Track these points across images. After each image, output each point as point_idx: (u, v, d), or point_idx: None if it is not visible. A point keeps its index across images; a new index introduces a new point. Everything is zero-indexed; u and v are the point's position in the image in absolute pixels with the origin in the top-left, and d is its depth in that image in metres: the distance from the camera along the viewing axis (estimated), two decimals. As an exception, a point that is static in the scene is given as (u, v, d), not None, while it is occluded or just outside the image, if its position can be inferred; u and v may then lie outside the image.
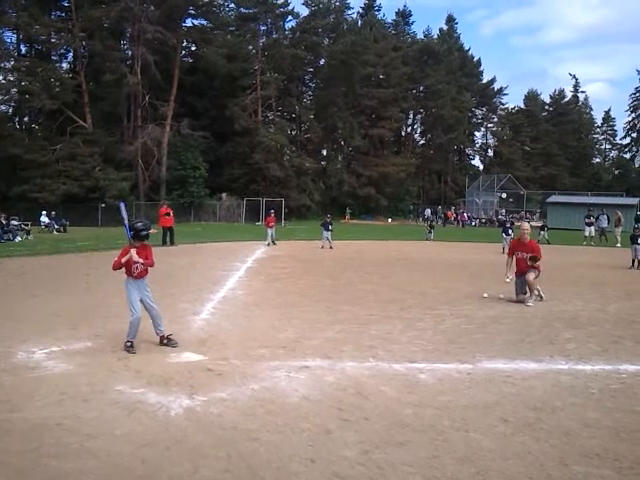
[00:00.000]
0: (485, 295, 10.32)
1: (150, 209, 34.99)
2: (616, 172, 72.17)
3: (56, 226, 28.51)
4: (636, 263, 15.99)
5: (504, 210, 52.68)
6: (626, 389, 5.24)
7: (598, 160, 77.15)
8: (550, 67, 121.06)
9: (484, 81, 70.45)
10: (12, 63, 39.60)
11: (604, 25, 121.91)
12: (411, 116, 64.62)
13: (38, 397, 4.79)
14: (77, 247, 19.60)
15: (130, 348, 6.25)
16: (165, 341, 6.55)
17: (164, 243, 20.50)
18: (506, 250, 15.81)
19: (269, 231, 22.48)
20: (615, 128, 75.89)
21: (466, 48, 68.70)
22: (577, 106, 74.16)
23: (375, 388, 5.16)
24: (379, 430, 4.21)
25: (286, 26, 52.04)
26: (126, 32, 43.03)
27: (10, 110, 42.86)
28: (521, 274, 9.91)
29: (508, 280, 10.20)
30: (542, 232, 25.45)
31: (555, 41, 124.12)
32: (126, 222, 6.53)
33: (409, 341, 6.95)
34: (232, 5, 50.09)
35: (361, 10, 61.38)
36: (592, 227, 26.34)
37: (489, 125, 72.78)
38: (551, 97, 74.07)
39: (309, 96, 57.39)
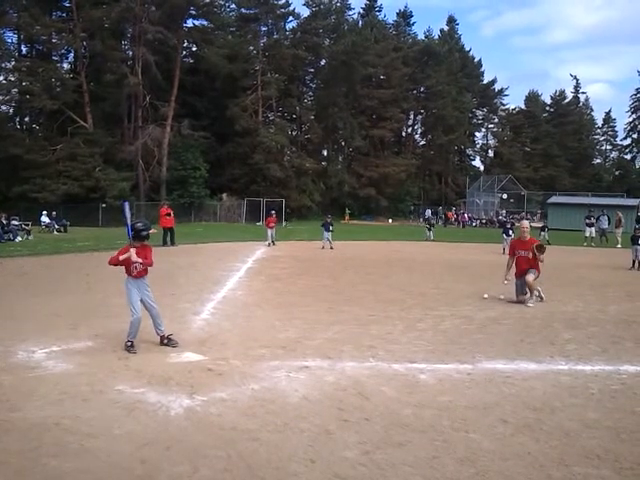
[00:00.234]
0: (485, 296, 10.31)
1: (151, 209, 35.00)
2: (617, 173, 72.15)
3: (56, 226, 28.51)
4: (636, 264, 15.98)
5: (504, 211, 52.68)
6: (626, 390, 5.24)
7: (599, 161, 77.14)
8: (551, 68, 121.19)
9: (485, 82, 70.48)
10: (13, 63, 39.65)
11: (605, 26, 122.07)
12: (412, 117, 64.64)
13: (38, 396, 4.79)
14: (77, 247, 19.61)
15: (130, 348, 6.25)
16: (165, 341, 6.55)
17: (165, 243, 20.50)
18: (506, 251, 15.82)
19: (269, 231, 22.48)
20: (616, 129, 75.94)
21: (467, 49, 68.82)
22: (578, 107, 74.16)
23: (375, 388, 5.16)
24: (379, 430, 4.21)
25: (287, 27, 52.21)
26: (127, 32, 43.08)
27: (11, 110, 42.89)
28: (521, 275, 9.90)
29: (506, 282, 10.19)
30: (542, 233, 25.43)
31: (556, 42, 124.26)
32: (128, 221, 6.53)
33: (409, 341, 6.95)
34: (233, 6, 50.27)
35: (362, 11, 61.52)
36: (592, 228, 26.33)
37: (490, 126, 72.81)
38: (552, 98, 74.14)
39: (310, 96, 57.43)
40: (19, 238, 22.63)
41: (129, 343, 6.29)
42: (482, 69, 70.80)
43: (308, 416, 4.47)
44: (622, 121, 78.44)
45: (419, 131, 67.25)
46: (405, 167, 54.94)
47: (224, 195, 44.98)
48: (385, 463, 3.67)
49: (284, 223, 37.51)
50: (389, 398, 4.92)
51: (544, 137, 68.32)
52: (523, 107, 72.15)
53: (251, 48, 49.32)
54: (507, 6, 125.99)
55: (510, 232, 20.87)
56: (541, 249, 9.94)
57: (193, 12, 43.82)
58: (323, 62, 53.49)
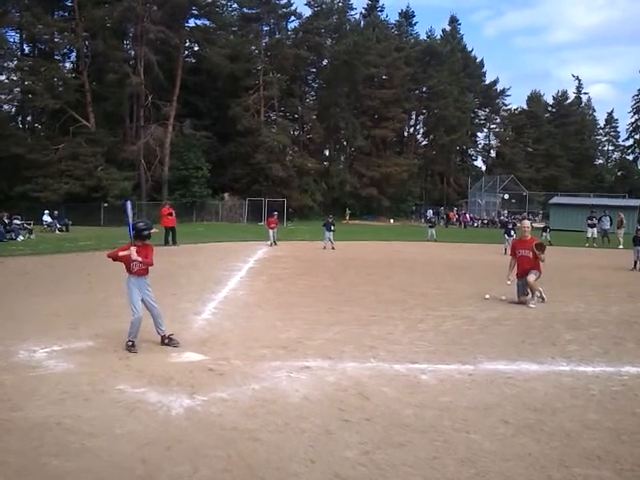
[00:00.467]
0: (487, 296, 10.31)
1: (152, 209, 35.04)
2: (619, 174, 72.02)
3: (58, 225, 28.56)
4: (638, 265, 15.97)
5: (506, 211, 52.65)
6: (627, 391, 5.23)
7: (601, 161, 76.99)
8: (553, 68, 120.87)
9: (487, 82, 70.40)
10: (15, 62, 39.67)
11: (607, 27, 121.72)
12: (414, 117, 64.59)
13: (39, 396, 4.79)
14: (79, 247, 19.63)
15: (131, 347, 6.26)
16: (166, 341, 6.56)
17: (166, 243, 20.52)
18: (508, 251, 15.82)
19: (271, 232, 22.50)
20: (618, 130, 75.72)
21: (469, 49, 68.68)
22: (580, 107, 74.03)
23: (376, 389, 5.16)
24: (380, 431, 4.21)
25: (289, 26, 52.17)
26: (129, 32, 43.10)
27: (13, 109, 42.95)
28: (523, 275, 9.89)
29: (509, 282, 10.19)
30: (544, 233, 25.41)
31: (558, 42, 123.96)
32: (130, 221, 6.55)
33: (410, 342, 6.95)
34: (235, 5, 50.23)
35: (364, 11, 61.48)
36: (594, 228, 26.31)
37: (492, 126, 72.74)
38: (554, 98, 73.99)
39: (312, 96, 57.42)
40: (21, 237, 22.68)
41: (130, 343, 6.30)
42: (484, 69, 70.77)
43: (309, 416, 4.47)
44: (624, 122, 78.64)
45: (421, 131, 67.25)
46: (407, 167, 54.92)
47: (226, 195, 45.00)
48: (385, 463, 3.67)
49: (286, 223, 37.51)
50: (390, 398, 4.92)
51: (546, 137, 68.23)
52: (525, 107, 72.05)
53: (253, 48, 49.34)
54: (509, 6, 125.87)
55: (512, 232, 20.87)
56: (541, 247, 9.94)
57: (195, 12, 43.84)
58: (325, 62, 53.48)
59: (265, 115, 48.76)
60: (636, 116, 70.05)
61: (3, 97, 39.64)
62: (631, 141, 71.75)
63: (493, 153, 73.10)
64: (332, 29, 52.49)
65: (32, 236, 23.89)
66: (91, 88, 39.94)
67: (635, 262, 16.08)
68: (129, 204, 6.89)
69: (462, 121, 60.78)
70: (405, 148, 63.33)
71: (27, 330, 7.08)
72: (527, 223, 10.78)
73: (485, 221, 49.95)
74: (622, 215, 26.87)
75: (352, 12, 56.05)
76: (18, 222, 24.76)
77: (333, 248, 20.93)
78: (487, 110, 71.68)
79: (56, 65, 41.44)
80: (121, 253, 6.40)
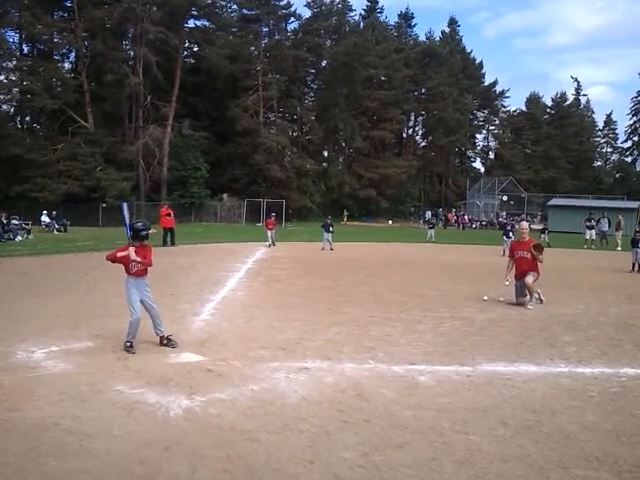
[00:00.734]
0: (485, 298, 10.31)
1: (151, 209, 35.02)
2: (617, 175, 72.11)
3: (57, 226, 28.52)
4: (637, 267, 15.99)
5: (505, 213, 52.69)
6: (626, 392, 5.24)
7: (599, 163, 77.08)
8: (552, 70, 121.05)
9: (486, 84, 70.48)
10: (14, 63, 39.63)
11: (607, 29, 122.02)
12: (412, 118, 64.67)
13: (37, 397, 4.78)
14: (77, 247, 19.61)
15: (130, 348, 6.25)
16: (165, 341, 6.55)
17: (165, 243, 20.50)
18: (507, 253, 15.84)
19: (269, 233, 22.50)
20: (616, 131, 75.82)
21: (468, 50, 68.75)
22: (579, 109, 74.12)
23: (375, 390, 5.16)
24: (378, 432, 4.21)
25: (288, 27, 52.23)
26: (128, 32, 43.09)
27: (12, 110, 42.90)
28: (521, 277, 9.90)
29: (507, 283, 10.20)
30: (543, 235, 25.42)
31: (557, 44, 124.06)
32: (127, 222, 6.55)
33: (409, 343, 6.95)
34: (234, 6, 50.33)
35: (363, 12, 61.57)
36: (593, 230, 26.36)
37: (490, 128, 72.82)
38: (553, 100, 74.09)
39: (311, 97, 57.47)
40: (19, 237, 22.64)
41: (128, 343, 6.29)
42: (483, 71, 70.86)
43: (307, 417, 4.47)
44: (623, 124, 78.66)
45: (420, 132, 67.36)
46: (406, 168, 54.97)
47: (224, 195, 44.99)
48: (384, 465, 3.67)
49: (284, 224, 37.51)
50: (388, 400, 4.91)
51: (545, 139, 68.32)
52: (524, 109, 72.14)
53: (252, 49, 49.36)
54: (508, 8, 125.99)
55: (510, 234, 20.89)
56: (538, 248, 9.96)
57: (194, 12, 43.86)
58: (324, 63, 53.54)
59: (264, 116, 48.78)
60: (635, 118, 70.17)
61: (2, 97, 39.63)
62: (630, 143, 71.87)
63: (492, 155, 73.22)
64: (331, 30, 52.55)
65: (30, 236, 23.86)
66: (90, 88, 39.91)
67: (633, 264, 16.11)
68: (125, 205, 6.90)
69: (461, 123, 60.85)
70: (404, 149, 63.40)
71: (25, 330, 7.07)
72: (525, 225, 10.80)
73: (484, 222, 50.00)
74: (620, 217, 26.93)
75: (351, 13, 56.23)
76: (16, 222, 24.72)
77: (332, 249, 20.94)
78: (486, 112, 71.78)
79: (55, 65, 41.41)
80: (119, 254, 6.40)
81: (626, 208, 38.79)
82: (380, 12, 62.76)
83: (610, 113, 76.75)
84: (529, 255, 9.93)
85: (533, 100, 72.55)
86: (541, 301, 10.00)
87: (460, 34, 68.84)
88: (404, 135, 65.43)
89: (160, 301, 7.02)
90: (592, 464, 3.74)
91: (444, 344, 6.93)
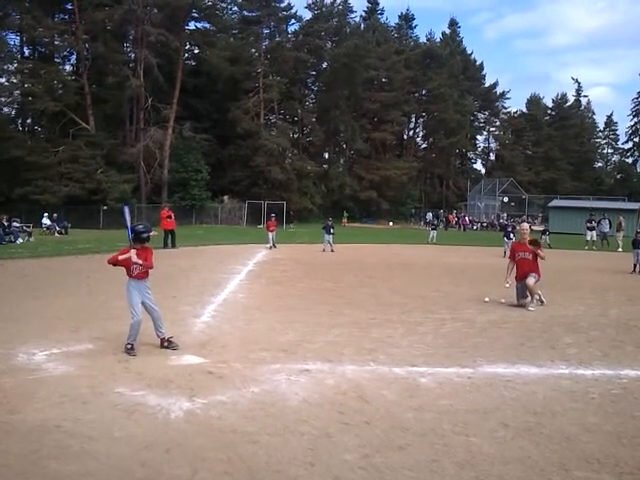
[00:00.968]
0: (486, 299, 10.31)
1: (152, 212, 35.04)
2: (618, 177, 72.07)
3: (58, 228, 28.53)
4: (637, 268, 15.98)
5: (506, 214, 52.68)
6: (627, 394, 5.23)
7: (600, 164, 77.06)
8: (553, 71, 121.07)
9: (486, 85, 70.51)
10: (15, 65, 39.71)
11: (607, 30, 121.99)
12: (413, 119, 64.70)
13: (38, 399, 4.79)
14: (78, 249, 19.62)
15: (130, 350, 6.26)
16: (166, 344, 6.55)
17: (165, 246, 20.50)
18: (507, 254, 15.84)
19: (270, 235, 22.51)
20: (617, 133, 75.82)
21: (469, 52, 68.80)
22: (579, 110, 74.09)
23: (376, 392, 5.15)
24: (379, 434, 4.21)
25: (289, 29, 52.31)
26: (129, 35, 43.18)
27: (13, 112, 42.98)
28: (522, 278, 9.89)
29: (507, 285, 10.19)
30: (544, 236, 25.39)
31: (558, 45, 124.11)
32: (128, 225, 6.56)
33: (410, 345, 6.95)
34: (235, 8, 50.37)
35: (364, 14, 61.61)
36: (594, 231, 26.34)
37: (491, 129, 72.83)
38: (553, 101, 74.07)
39: (311, 99, 57.53)
40: (20, 240, 22.65)
41: (129, 346, 6.30)
42: (484, 72, 70.90)
43: (308, 419, 4.47)
44: (624, 125, 78.54)
45: (420, 134, 67.37)
46: (406, 170, 54.98)
47: (225, 197, 45.01)
48: (385, 467, 3.67)
49: (285, 226, 37.52)
50: (389, 401, 4.91)
51: (545, 140, 68.31)
52: (525, 110, 72.15)
53: (253, 51, 49.42)
54: (509, 9, 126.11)
55: (511, 235, 20.89)
56: (535, 244, 9.96)
57: (195, 15, 43.95)
58: (325, 65, 53.59)
59: (265, 118, 48.81)
60: (635, 119, 70.17)
61: (3, 100, 39.72)
62: (630, 144, 71.88)
63: (492, 156, 73.21)
64: (332, 32, 52.61)
65: (31, 239, 23.87)
66: (91, 91, 39.98)
67: (634, 265, 16.10)
68: (127, 208, 6.92)
69: (461, 124, 60.86)
70: (405, 151, 63.42)
71: (26, 333, 7.07)
72: (526, 226, 10.81)
73: (484, 224, 49.99)
74: (621, 218, 26.92)
75: (352, 15, 56.27)
76: (17, 225, 24.72)
77: (332, 251, 20.95)
78: (487, 113, 71.79)
79: (56, 68, 41.46)
80: (121, 257, 6.41)
81: (627, 209, 38.78)
82: (381, 14, 62.93)
83: (611, 114, 76.81)
84: (530, 256, 9.92)
85: (534, 101, 72.56)
86: (542, 302, 9.99)
87: (461, 35, 68.97)
88: (405, 137, 65.45)
89: (161, 303, 7.03)
90: (593, 466, 3.74)
91: (445, 346, 6.93)
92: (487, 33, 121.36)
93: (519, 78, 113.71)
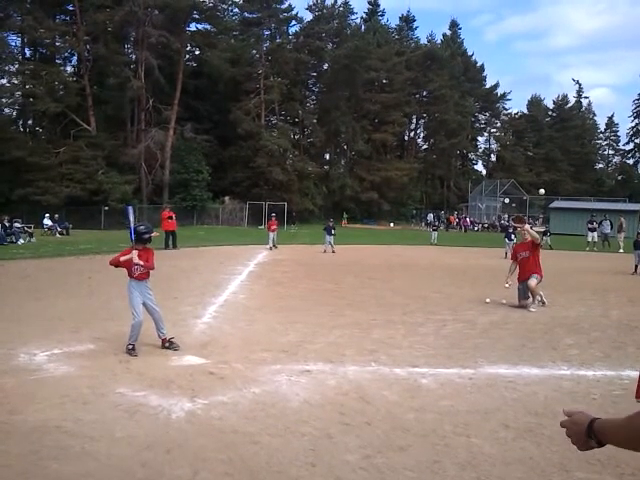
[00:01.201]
0: (487, 300, 10.30)
1: (153, 212, 35.05)
2: (619, 178, 72.04)
3: (59, 229, 28.54)
4: (639, 269, 15.96)
5: (507, 215, 52.63)
6: (628, 395, 5.21)
7: (601, 166, 77.03)
8: (553, 73, 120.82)
9: (487, 86, 70.44)
10: (16, 66, 39.78)
11: (608, 31, 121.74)
12: (414, 121, 64.67)
13: (39, 399, 4.79)
14: (80, 250, 19.63)
15: (132, 351, 6.26)
16: (167, 344, 6.56)
17: (166, 247, 20.50)
18: (509, 255, 15.84)
19: (271, 235, 22.51)
20: (618, 134, 75.77)
21: (469, 53, 68.77)
22: (580, 112, 74.07)
23: (377, 392, 5.15)
24: (380, 434, 4.20)
25: (290, 31, 52.30)
26: (130, 36, 43.22)
27: (14, 113, 43.06)
28: (524, 279, 9.89)
29: (507, 286, 10.19)
30: (545, 237, 25.38)
31: (559, 47, 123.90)
32: (131, 225, 6.58)
33: (411, 346, 6.94)
34: (236, 10, 50.35)
35: (365, 15, 61.56)
36: (595, 233, 26.33)
37: (492, 130, 72.77)
38: (554, 103, 74.03)
39: (312, 100, 57.53)
40: (21, 241, 22.66)
41: (130, 346, 6.30)
42: (484, 73, 70.84)
43: (309, 420, 4.46)
44: (625, 126, 78.50)
45: (421, 135, 67.31)
46: (407, 171, 54.95)
47: (226, 198, 45.01)
48: (386, 467, 3.66)
49: (286, 227, 37.52)
50: (390, 402, 4.91)
51: (546, 142, 68.28)
52: (525, 112, 72.11)
53: (254, 52, 49.44)
54: (510, 11, 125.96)
55: (512, 236, 20.86)
56: (519, 220, 9.93)
57: (196, 16, 43.96)
58: (326, 66, 53.57)
59: (266, 119, 48.83)
60: (636, 120, 70.14)
61: (4, 101, 39.80)
62: (631, 145, 71.86)
63: (493, 157, 73.11)
64: (333, 33, 52.62)
65: (33, 239, 23.88)
66: (92, 92, 40.03)
67: (635, 266, 16.07)
68: (130, 209, 6.93)
69: (462, 125, 60.85)
70: (405, 152, 63.40)
71: (27, 333, 7.08)
72: (527, 226, 10.81)
73: (485, 225, 49.95)
74: (622, 219, 26.90)
75: (353, 16, 56.20)
76: (19, 225, 24.74)
77: (333, 252, 20.94)
78: (487, 114, 71.76)
79: (57, 69, 41.51)
80: (122, 258, 6.43)
81: (628, 210, 38.74)
82: (381, 15, 62.87)
83: (612, 115, 77.01)
84: (529, 254, 9.94)
85: (534, 103, 72.54)
86: (543, 303, 9.99)
87: (461, 37, 68.91)
88: (406, 138, 65.43)
89: (162, 304, 7.03)
90: (594, 467, 3.73)
91: (446, 347, 6.93)
92: (488, 35, 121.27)
93: (520, 79, 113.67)
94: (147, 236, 6.61)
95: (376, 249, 24.50)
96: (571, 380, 5.66)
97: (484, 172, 72.06)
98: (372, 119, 56.77)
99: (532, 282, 9.68)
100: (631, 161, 72.65)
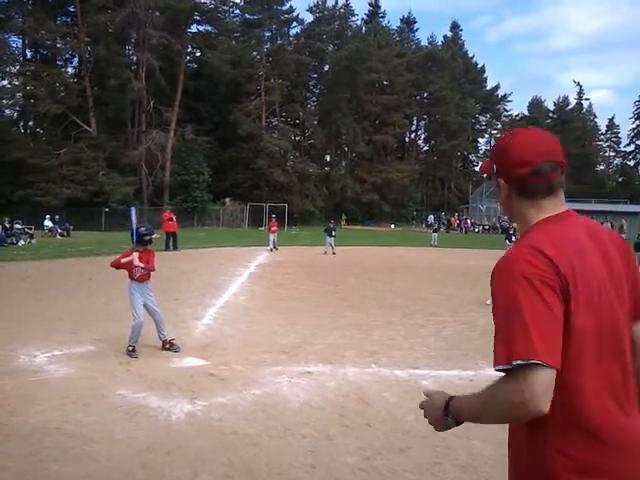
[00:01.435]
0: (488, 302, 10.26)
1: (153, 214, 35.04)
2: (620, 179, 72.01)
3: (59, 230, 28.56)
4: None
5: (507, 217, 52.59)
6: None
7: (602, 167, 76.98)
8: (554, 74, 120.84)
9: (488, 88, 70.50)
10: (17, 68, 39.85)
11: (609, 32, 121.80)
12: (415, 122, 64.70)
13: (39, 401, 4.79)
14: (80, 251, 19.63)
15: (132, 352, 6.26)
16: (167, 346, 6.56)
17: (167, 248, 20.49)
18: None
19: (271, 236, 22.50)
20: (619, 135, 75.73)
21: (470, 55, 68.80)
22: (581, 113, 74.11)
23: (377, 394, 5.15)
24: (380, 436, 4.20)
25: (291, 32, 52.32)
26: (131, 37, 43.25)
27: (15, 114, 43.07)
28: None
29: None
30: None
31: (559, 48, 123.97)
32: (134, 226, 6.60)
33: (411, 347, 6.94)
34: (237, 11, 50.43)
35: (365, 17, 61.60)
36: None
37: (493, 132, 72.77)
38: (555, 104, 74.04)
39: (313, 102, 57.55)
40: (22, 242, 22.67)
41: (131, 348, 6.30)
42: (485, 75, 70.89)
43: (309, 421, 4.46)
44: (625, 127, 78.56)
45: (422, 137, 67.35)
46: (408, 173, 54.95)
47: (227, 200, 45.02)
48: (386, 469, 3.66)
49: (286, 228, 37.51)
50: (391, 404, 4.91)
51: (547, 143, 68.26)
52: (526, 113, 72.19)
53: (255, 53, 49.47)
54: (510, 12, 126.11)
55: (513, 238, 20.84)
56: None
57: (197, 17, 44.03)
58: (326, 68, 53.59)
59: (266, 120, 48.84)
60: (637, 122, 70.10)
61: (5, 102, 39.80)
62: (632, 147, 71.83)
63: (494, 159, 73.10)
64: (334, 35, 52.65)
65: (33, 241, 23.89)
66: (93, 93, 40.06)
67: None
68: (133, 210, 6.95)
69: (463, 127, 60.89)
70: (406, 154, 63.39)
71: (28, 335, 7.08)
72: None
73: (486, 226, 49.93)
74: (624, 221, 26.92)
75: (354, 18, 56.24)
76: (19, 227, 24.76)
77: (334, 253, 20.94)
78: (488, 116, 71.83)
79: (58, 70, 41.53)
80: (123, 260, 6.45)
81: (629, 212, 38.73)
82: (382, 17, 62.89)
83: (612, 117, 76.83)
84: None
85: (535, 104, 72.59)
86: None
87: (462, 38, 68.93)
88: (406, 139, 65.44)
89: (163, 305, 7.03)
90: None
91: (446, 348, 6.92)
92: (488, 36, 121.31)
93: (520, 81, 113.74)
94: (148, 238, 6.63)
95: (377, 251, 24.49)
96: (572, 382, 5.64)
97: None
98: (373, 120, 56.79)
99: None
100: (632, 162, 72.64)
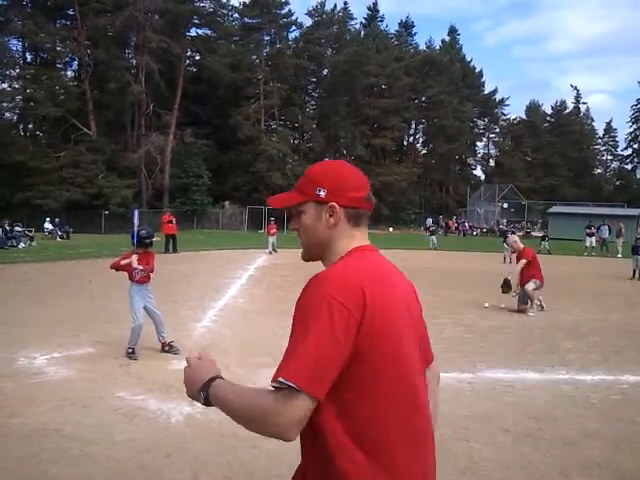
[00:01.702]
0: (486, 305, 10.31)
1: (153, 217, 35.04)
2: (617, 183, 72.14)
3: (59, 233, 28.57)
4: (637, 274, 15.97)
5: (505, 220, 52.69)
6: (627, 399, 5.23)
7: (599, 171, 77.16)
8: (552, 78, 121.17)
9: (486, 92, 70.60)
10: (17, 71, 39.91)
11: (607, 37, 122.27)
12: (413, 126, 64.77)
13: (38, 403, 4.80)
14: (80, 254, 19.62)
15: (131, 354, 6.27)
16: (167, 348, 6.57)
17: (166, 251, 20.49)
18: (507, 260, 15.88)
19: (270, 239, 22.51)
20: (617, 139, 75.90)
21: (468, 59, 68.92)
22: (579, 117, 74.25)
23: (376, 396, 5.14)
24: (379, 438, 4.20)
25: (290, 36, 52.36)
26: (131, 41, 43.34)
27: (15, 117, 43.09)
28: (523, 284, 9.90)
29: (514, 295, 10.09)
30: (543, 242, 25.45)
31: (557, 52, 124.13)
32: (135, 228, 6.64)
33: (410, 350, 6.94)
34: (236, 15, 50.53)
35: (364, 21, 61.74)
36: (593, 237, 26.35)
37: (491, 135, 72.92)
38: (553, 108, 74.16)
39: (312, 105, 57.65)
40: (22, 244, 22.67)
41: (130, 350, 6.31)
42: (483, 79, 70.98)
43: (308, 424, 4.46)
44: (623, 131, 78.56)
45: (420, 140, 67.41)
46: (406, 176, 55.00)
47: (226, 203, 45.06)
48: (385, 471, 3.66)
49: (285, 231, 37.50)
50: (390, 406, 4.90)
51: (545, 147, 68.37)
52: (524, 117, 72.27)
53: (254, 57, 49.56)
54: (509, 16, 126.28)
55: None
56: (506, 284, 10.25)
57: (196, 21, 44.18)
58: (325, 71, 53.72)
59: (265, 124, 48.92)
60: (635, 126, 70.29)
61: (5, 105, 39.80)
62: (629, 151, 71.96)
63: (492, 162, 73.25)
64: (332, 39, 52.79)
65: (33, 243, 23.89)
66: (92, 96, 40.10)
67: (634, 271, 16.09)
68: (136, 212, 6.98)
69: (461, 130, 60.97)
70: (404, 157, 63.48)
71: (27, 337, 7.08)
72: (513, 237, 10.91)
73: (484, 230, 49.99)
74: (621, 224, 26.96)
75: (352, 22, 56.40)
76: (19, 229, 24.77)
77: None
78: (486, 120, 71.92)
79: (58, 73, 41.62)
80: (123, 262, 6.47)
81: (626, 215, 38.76)
82: (381, 21, 63.02)
83: (610, 121, 76.93)
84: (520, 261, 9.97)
85: (533, 108, 72.71)
86: (542, 308, 10.00)
87: (460, 43, 69.01)
88: (405, 143, 65.54)
89: (162, 308, 7.04)
90: (593, 471, 3.74)
91: (445, 350, 6.93)
92: (487, 40, 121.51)
93: (518, 85, 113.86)
94: (148, 241, 6.66)
95: (375, 254, 24.45)
96: (570, 384, 5.66)
97: (483, 177, 72.14)
98: (371, 124, 56.89)
99: (529, 286, 9.68)
100: (629, 166, 72.78)
